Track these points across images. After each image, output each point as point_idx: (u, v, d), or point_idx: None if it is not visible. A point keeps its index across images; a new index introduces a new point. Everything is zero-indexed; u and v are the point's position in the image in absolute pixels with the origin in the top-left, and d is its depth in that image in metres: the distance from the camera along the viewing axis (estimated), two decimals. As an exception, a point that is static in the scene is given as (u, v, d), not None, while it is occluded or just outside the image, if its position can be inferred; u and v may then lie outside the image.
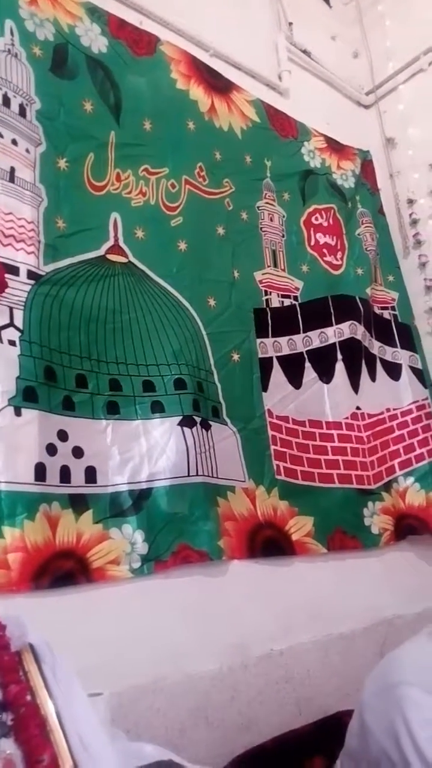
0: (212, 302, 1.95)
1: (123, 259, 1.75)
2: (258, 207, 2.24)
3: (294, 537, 1.88)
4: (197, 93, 2.14)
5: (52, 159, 1.68)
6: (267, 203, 2.27)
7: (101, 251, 1.71)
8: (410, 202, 2.78)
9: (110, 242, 1.74)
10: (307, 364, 2.20)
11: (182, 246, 1.90)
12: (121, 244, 1.75)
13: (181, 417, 1.70)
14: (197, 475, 1.68)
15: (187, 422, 1.71)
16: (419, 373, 2.55)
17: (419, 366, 2.57)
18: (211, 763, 1.29)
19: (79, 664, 1.02)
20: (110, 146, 1.83)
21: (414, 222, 2.76)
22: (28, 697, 0.89)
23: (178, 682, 1.44)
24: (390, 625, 1.93)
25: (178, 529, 1.60)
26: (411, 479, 2.32)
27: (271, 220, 2.27)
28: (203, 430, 1.76)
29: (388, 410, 2.40)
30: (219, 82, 2.24)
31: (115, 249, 1.74)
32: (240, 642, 1.62)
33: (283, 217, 2.33)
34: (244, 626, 1.65)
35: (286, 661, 1.67)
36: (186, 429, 1.70)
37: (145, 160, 1.90)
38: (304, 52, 2.71)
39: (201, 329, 1.88)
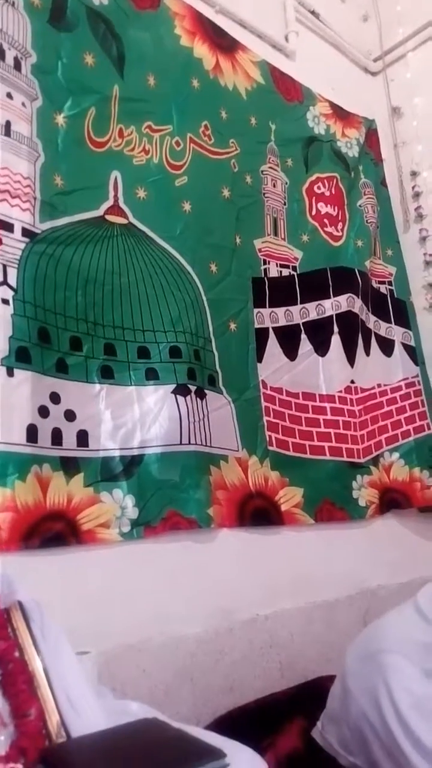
0: (214, 268, 1.92)
1: (123, 221, 1.71)
2: (262, 171, 2.19)
3: (283, 507, 1.90)
4: (202, 51, 2.06)
5: (49, 115, 1.62)
6: (270, 168, 2.22)
7: (100, 211, 1.66)
8: (413, 174, 2.73)
9: (110, 202, 1.69)
10: (303, 336, 2.18)
11: (186, 207, 1.86)
12: (121, 204, 1.71)
13: (175, 385, 1.69)
14: (190, 443, 1.68)
15: (181, 390, 1.70)
16: (411, 350, 2.55)
17: (412, 343, 2.57)
18: (194, 723, 1.32)
19: (68, 623, 1.03)
20: (113, 100, 1.76)
21: (416, 195, 2.71)
22: (16, 654, 0.90)
23: (165, 644, 1.46)
24: (373, 595, 1.96)
25: (168, 496, 1.61)
26: (396, 455, 2.35)
27: (274, 186, 2.23)
28: (198, 398, 1.75)
29: (379, 386, 2.41)
30: (224, 41, 2.17)
31: (115, 209, 1.70)
32: (226, 607, 1.65)
33: (286, 183, 2.28)
34: (230, 592, 1.68)
35: (271, 627, 1.70)
36: (180, 397, 1.69)
37: (149, 117, 1.84)
38: (313, 13, 2.62)
39: (202, 294, 1.85)
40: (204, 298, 1.85)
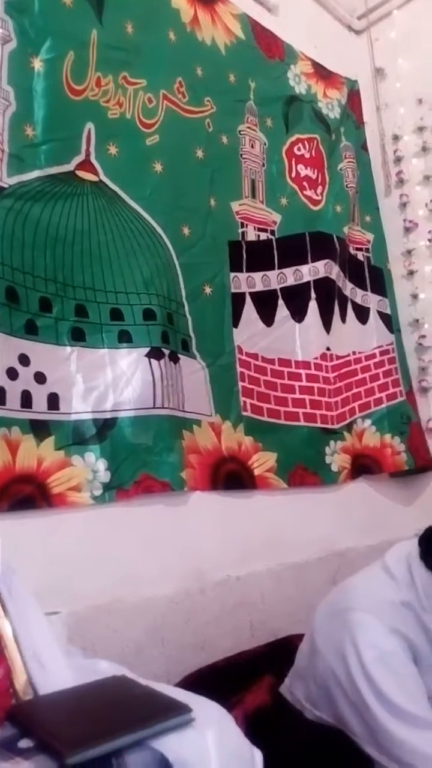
0: (186, 231, 1.87)
1: (93, 177, 1.65)
2: (240, 131, 2.13)
3: (256, 471, 1.91)
4: (179, 1, 1.97)
5: (25, 58, 1.53)
6: (249, 128, 2.16)
7: (71, 166, 1.60)
8: (395, 138, 2.68)
9: (81, 156, 1.63)
10: (280, 302, 2.17)
11: (158, 167, 1.80)
12: (93, 159, 1.64)
13: (149, 348, 1.67)
14: (163, 407, 1.67)
15: (154, 354, 1.68)
16: (387, 318, 2.56)
17: (387, 311, 2.57)
18: (165, 681, 1.34)
19: (38, 584, 1.03)
20: (92, 46, 1.67)
21: (398, 159, 2.67)
22: (-17, 615, 0.89)
23: (136, 604, 1.48)
24: (343, 557, 2.00)
25: (141, 459, 1.61)
26: (369, 421, 2.38)
27: (252, 146, 2.17)
28: (171, 362, 1.73)
29: (354, 353, 2.41)
30: (203, -9, 2.08)
31: (86, 165, 1.63)
32: (198, 568, 1.67)
33: (265, 144, 2.22)
34: (202, 554, 1.70)
35: (242, 587, 1.73)
36: (153, 361, 1.67)
37: (126, 68, 1.76)
38: (297, -36, 2.53)
39: (173, 258, 1.82)
40: (176, 262, 1.81)
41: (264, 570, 1.81)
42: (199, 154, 1.95)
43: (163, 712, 0.81)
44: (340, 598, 1.17)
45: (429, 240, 2.54)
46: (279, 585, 1.83)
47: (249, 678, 1.43)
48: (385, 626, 1.05)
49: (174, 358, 1.75)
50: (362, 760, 1.03)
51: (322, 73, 2.53)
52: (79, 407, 1.52)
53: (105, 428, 1.55)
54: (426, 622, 1.08)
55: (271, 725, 1.18)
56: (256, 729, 1.04)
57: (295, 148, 2.34)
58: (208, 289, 1.92)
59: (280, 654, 1.45)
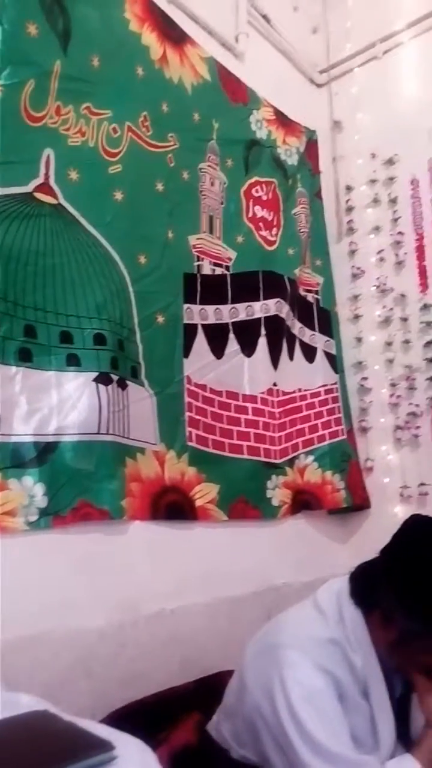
0: (143, 260, 1.89)
1: (52, 200, 1.65)
2: (200, 169, 2.19)
3: (198, 503, 1.91)
4: (150, 39, 2.03)
5: (-17, 82, 1.54)
6: (210, 166, 2.23)
7: (29, 188, 1.60)
8: (348, 188, 2.82)
9: (40, 180, 1.63)
10: (231, 336, 2.21)
11: (118, 196, 1.82)
12: (52, 183, 1.65)
13: (97, 373, 1.66)
14: (107, 433, 1.66)
15: (103, 379, 1.67)
16: (332, 359, 2.65)
17: (333, 351, 2.66)
18: (91, 715, 1.30)
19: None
20: (54, 76, 1.69)
21: (350, 209, 2.80)
22: None
23: (64, 636, 1.44)
24: (278, 592, 2.02)
25: (81, 485, 1.58)
26: (311, 458, 2.43)
27: (212, 184, 2.23)
28: (119, 388, 1.73)
29: (300, 390, 2.47)
30: (174, 32, 2.14)
31: (45, 188, 1.63)
32: (132, 600, 1.64)
33: (224, 183, 2.29)
34: (137, 585, 1.67)
35: (175, 621, 1.71)
36: (101, 386, 1.66)
37: (89, 99, 1.78)
38: (264, 17, 2.65)
39: (128, 285, 1.83)
40: (130, 290, 1.82)
41: (199, 603, 1.80)
42: (160, 187, 1.99)
43: (84, 750, 0.79)
44: (270, 635, 1.17)
45: (375, 287, 2.66)
46: (213, 619, 1.82)
47: (177, 715, 1.41)
48: (312, 663, 1.06)
49: (122, 385, 1.74)
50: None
51: (282, 120, 2.65)
52: (20, 429, 1.49)
53: (46, 452, 1.52)
54: (352, 660, 1.10)
55: (196, 764, 1.16)
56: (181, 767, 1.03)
57: (253, 190, 2.42)
58: (160, 318, 1.94)
59: (209, 690, 1.44)
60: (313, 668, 1.06)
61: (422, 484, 2.40)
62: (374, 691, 1.11)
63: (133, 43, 1.97)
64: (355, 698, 1.09)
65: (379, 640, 1.11)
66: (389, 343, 2.59)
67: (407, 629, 1.06)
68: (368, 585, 1.14)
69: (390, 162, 2.68)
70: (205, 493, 1.94)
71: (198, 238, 2.14)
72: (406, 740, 1.15)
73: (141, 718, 1.38)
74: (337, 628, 1.12)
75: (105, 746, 0.79)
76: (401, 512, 2.38)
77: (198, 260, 2.13)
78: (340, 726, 1.04)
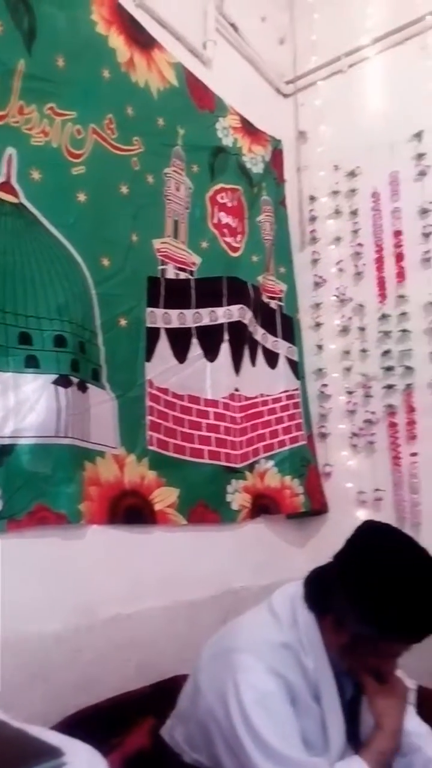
0: (106, 262, 1.88)
1: (13, 199, 1.63)
2: (165, 173, 2.19)
3: (157, 507, 1.91)
4: (117, 42, 2.03)
5: None
6: (175, 171, 2.23)
7: (-11, 187, 1.59)
8: (312, 198, 2.87)
9: (1, 178, 1.60)
10: (194, 341, 2.22)
11: (81, 197, 1.81)
12: (14, 182, 1.62)
13: (57, 376, 1.65)
14: (66, 436, 1.64)
15: (62, 382, 1.66)
16: (294, 365, 2.69)
17: (295, 358, 2.70)
18: (43, 722, 1.28)
19: None
20: (17, 75, 1.67)
21: (313, 219, 2.85)
22: None
23: (20, 640, 1.42)
24: (236, 595, 2.03)
25: (38, 489, 1.56)
26: (271, 463, 2.46)
27: (177, 189, 2.24)
28: (79, 391, 1.72)
29: (261, 395, 2.50)
30: (141, 36, 2.15)
31: (6, 186, 1.61)
32: (89, 604, 1.63)
33: (190, 189, 2.30)
34: (94, 589, 1.66)
35: (132, 625, 1.71)
36: (60, 388, 1.65)
37: (53, 99, 1.77)
38: (232, 25, 2.68)
39: (90, 288, 1.81)
40: (93, 292, 1.81)
41: (156, 607, 1.80)
42: (124, 190, 1.98)
43: (33, 757, 0.78)
44: (224, 639, 1.18)
45: (335, 296, 2.72)
46: (170, 623, 1.82)
47: (132, 719, 1.40)
48: (265, 667, 1.07)
49: (82, 387, 1.73)
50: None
51: (248, 129, 2.68)
52: (-26, 431, 1.47)
53: (1, 454, 1.50)
54: (305, 663, 1.12)
55: (148, 769, 1.16)
56: (132, 773, 1.03)
57: (219, 196, 2.44)
58: (123, 321, 1.93)
59: (164, 695, 1.44)
60: (266, 672, 1.07)
61: (377, 490, 2.46)
62: (325, 694, 1.13)
63: (100, 45, 1.97)
64: (307, 701, 1.11)
65: (332, 644, 1.13)
66: (347, 352, 2.64)
67: (358, 633, 1.08)
68: (321, 589, 1.16)
69: (352, 174, 2.74)
70: (164, 497, 1.94)
71: (162, 242, 2.14)
72: (355, 742, 1.17)
73: (95, 723, 1.37)
74: (291, 632, 1.14)
75: (54, 753, 0.78)
76: (358, 517, 2.42)
77: (162, 264, 2.13)
78: (291, 729, 1.05)
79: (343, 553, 1.16)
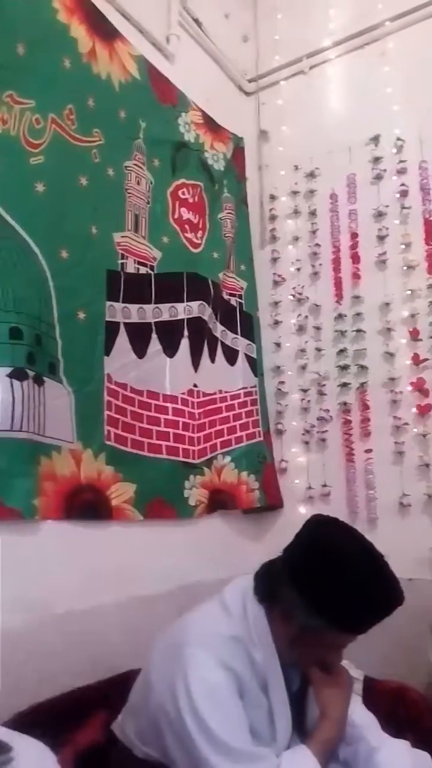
0: (64, 254, 1.86)
1: (-31, 188, 1.60)
2: (126, 167, 2.18)
3: (114, 502, 1.90)
4: (78, 31, 2.00)
5: None
6: (136, 165, 2.22)
7: None
8: (272, 197, 2.90)
9: None
10: (154, 336, 2.21)
11: (40, 188, 1.78)
12: (-30, 171, 1.60)
13: (11, 368, 1.61)
14: (21, 430, 1.61)
15: (18, 375, 1.63)
16: (253, 362, 2.72)
17: (254, 355, 2.73)
18: (-4, 719, 1.27)
19: None
20: None
21: (273, 218, 2.89)
22: None
23: (-29, 638, 1.39)
24: (192, 590, 2.03)
25: (-9, 483, 1.53)
26: (228, 458, 2.48)
27: (138, 183, 2.23)
28: (36, 385, 1.69)
29: (220, 392, 2.52)
30: (104, 27, 2.13)
31: (-38, 175, 1.58)
32: (43, 600, 1.61)
33: (151, 183, 2.30)
34: (49, 585, 1.64)
35: (87, 621, 1.70)
36: (16, 381, 1.62)
37: (12, 87, 1.73)
38: (196, 21, 2.68)
39: (48, 280, 1.79)
40: (51, 284, 1.79)
41: (111, 603, 1.79)
42: (84, 181, 1.96)
43: (-19, 753, 0.78)
44: (175, 633, 1.19)
45: (292, 296, 2.76)
46: (126, 618, 1.82)
47: (84, 714, 1.40)
48: (215, 661, 1.09)
49: (39, 381, 1.70)
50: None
51: (210, 125, 2.68)
52: None
53: None
54: (254, 656, 1.14)
55: (100, 763, 1.16)
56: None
57: (180, 192, 2.44)
58: (81, 315, 1.91)
59: (118, 690, 1.44)
60: (215, 665, 1.09)
61: (325, 486, 2.52)
62: (273, 686, 1.15)
63: (61, 33, 1.94)
64: (255, 693, 1.13)
65: (280, 636, 1.15)
66: (302, 350, 2.69)
67: (306, 625, 1.11)
68: (271, 582, 1.18)
69: (311, 175, 2.79)
70: (121, 493, 1.94)
71: (123, 236, 2.13)
72: (302, 732, 1.20)
73: (49, 718, 1.36)
74: (241, 625, 1.16)
75: (2, 748, 0.78)
76: (310, 512, 2.47)
77: (122, 258, 2.12)
78: (239, 721, 1.07)
79: (291, 546, 1.18)
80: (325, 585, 1.07)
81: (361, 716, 1.28)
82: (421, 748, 1.31)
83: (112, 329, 2.03)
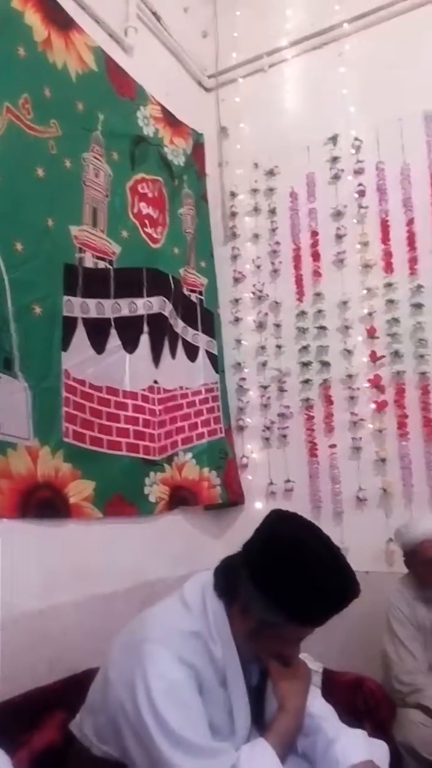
0: (19, 246, 1.81)
1: None
2: (84, 159, 2.14)
3: (72, 500, 1.87)
4: (33, 19, 1.96)
5: None
6: (95, 157, 2.19)
7: None
8: (233, 194, 2.90)
9: None
10: (113, 331, 2.18)
11: (-7, 178, 1.74)
12: None
13: (-35, 364, 1.57)
14: (-26, 427, 1.57)
15: (-29, 371, 1.58)
16: (214, 359, 2.72)
17: (215, 351, 2.73)
18: None
19: None
20: None
21: (233, 215, 2.89)
22: None
23: None
24: (151, 587, 2.03)
25: None
26: (189, 455, 2.48)
27: (96, 176, 2.19)
28: (-10, 380, 1.64)
29: (181, 388, 2.51)
30: (59, 16, 2.08)
31: None
32: (-1, 601, 1.57)
33: (110, 176, 2.26)
34: (5, 585, 1.60)
35: (45, 621, 1.67)
36: (-31, 378, 1.57)
37: (-36, 74, 1.69)
38: (155, 14, 2.66)
39: (2, 272, 1.74)
40: (5, 277, 1.74)
41: (70, 602, 1.77)
42: (40, 172, 1.92)
43: None
44: (135, 629, 1.18)
45: (252, 293, 2.77)
46: (85, 617, 1.80)
47: (42, 715, 1.37)
48: (174, 657, 1.08)
49: (-7, 377, 1.66)
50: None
51: (170, 120, 2.67)
52: None
53: None
54: (213, 651, 1.13)
55: (57, 764, 1.14)
56: (40, 769, 1.00)
57: (139, 186, 2.42)
58: (38, 309, 1.87)
59: (76, 689, 1.41)
60: (174, 661, 1.08)
61: (288, 481, 2.54)
62: (232, 680, 1.15)
63: (15, 20, 1.89)
64: (214, 688, 1.13)
65: (239, 630, 1.15)
66: (263, 347, 2.71)
67: (264, 619, 1.11)
68: (230, 578, 1.18)
69: (271, 173, 2.81)
70: (79, 490, 1.91)
71: (80, 230, 2.09)
72: (261, 725, 1.21)
73: (6, 719, 1.33)
74: (201, 621, 1.15)
75: None
76: (271, 508, 2.49)
77: (80, 252, 2.08)
78: (198, 717, 1.07)
79: (251, 542, 1.18)
80: (283, 580, 1.08)
81: (319, 708, 1.29)
82: (378, 737, 1.33)
83: (69, 324, 1.99)
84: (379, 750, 1.25)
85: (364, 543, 2.30)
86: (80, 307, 2.05)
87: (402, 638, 1.91)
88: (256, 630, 1.13)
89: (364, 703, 1.87)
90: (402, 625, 1.92)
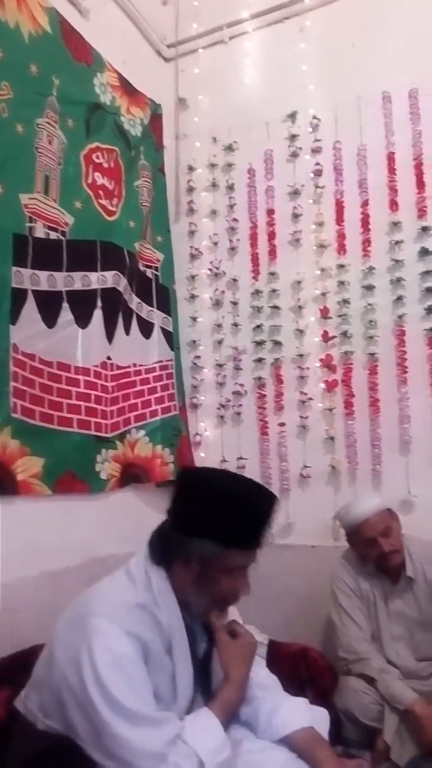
0: (-35, 214, 1.75)
1: None
2: (38, 124, 2.06)
3: (19, 477, 1.84)
4: (-19, -27, 1.86)
5: None
6: (48, 123, 2.11)
7: None
8: (190, 168, 2.86)
9: None
10: (65, 305, 2.13)
11: None
12: None
13: None
14: None
15: None
16: (169, 335, 2.69)
17: (170, 329, 2.71)
18: None
19: None
20: None
21: (190, 189, 2.85)
22: None
23: None
24: (102, 563, 2.02)
25: None
26: (142, 432, 2.47)
27: (50, 143, 2.12)
28: None
29: (135, 365, 2.49)
30: (11, -29, 1.98)
31: None
32: None
33: (63, 143, 2.19)
34: None
35: (-8, 598, 1.64)
36: None
37: None
38: (113, -24, 2.56)
39: None
40: None
41: (18, 579, 1.75)
42: (-10, 137, 1.84)
43: None
44: (81, 605, 1.18)
45: (209, 270, 2.75)
46: (34, 593, 1.78)
47: (-13, 692, 1.36)
48: (120, 630, 1.09)
49: None
50: (87, 766, 1.04)
51: (127, 88, 2.59)
52: None
53: None
54: (159, 619, 1.15)
55: (1, 740, 1.13)
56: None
57: (94, 156, 2.35)
58: (-16, 281, 1.81)
59: (23, 665, 1.40)
60: (120, 634, 1.09)
61: (240, 458, 2.57)
62: (177, 647, 1.17)
63: (-38, -27, 1.78)
64: (160, 656, 1.14)
65: (185, 586, 1.18)
66: (219, 325, 2.71)
67: (204, 557, 1.16)
68: (163, 542, 1.22)
69: (229, 148, 2.77)
70: (28, 467, 1.87)
71: (31, 198, 2.02)
72: (208, 695, 1.24)
73: None
74: (146, 592, 1.17)
75: None
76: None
77: (30, 222, 2.01)
78: (144, 687, 1.08)
79: (171, 502, 1.26)
80: (207, 512, 1.15)
81: (263, 677, 1.33)
82: (320, 704, 1.38)
83: (19, 296, 1.93)
84: (319, 716, 1.30)
85: (310, 518, 2.36)
86: (30, 278, 1.99)
87: (347, 608, 1.97)
88: (202, 573, 1.18)
89: (308, 672, 1.94)
90: (347, 597, 1.99)
